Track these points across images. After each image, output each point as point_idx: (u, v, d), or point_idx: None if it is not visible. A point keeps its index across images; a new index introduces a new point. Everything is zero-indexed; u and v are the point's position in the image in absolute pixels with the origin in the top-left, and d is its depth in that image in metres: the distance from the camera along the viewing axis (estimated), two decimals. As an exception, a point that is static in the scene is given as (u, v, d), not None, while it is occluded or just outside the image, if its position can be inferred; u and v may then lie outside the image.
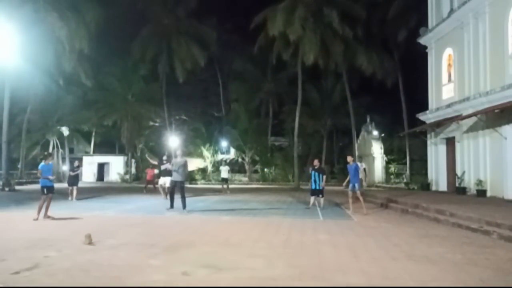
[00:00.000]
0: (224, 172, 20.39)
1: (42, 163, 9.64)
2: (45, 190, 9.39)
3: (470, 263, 5.38)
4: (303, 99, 29.59)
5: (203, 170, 36.72)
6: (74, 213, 10.69)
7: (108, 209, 11.79)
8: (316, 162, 13.24)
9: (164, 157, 16.29)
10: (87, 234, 6.40)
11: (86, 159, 39.25)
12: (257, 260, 5.40)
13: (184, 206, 11.16)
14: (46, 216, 9.18)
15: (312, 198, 13.00)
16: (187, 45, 30.43)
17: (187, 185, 24.19)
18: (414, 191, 19.63)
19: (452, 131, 17.66)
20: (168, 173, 14.94)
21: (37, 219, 8.96)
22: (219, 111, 41.08)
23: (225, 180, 20.31)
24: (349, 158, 12.13)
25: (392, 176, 30.72)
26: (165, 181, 15.29)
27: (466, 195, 15.33)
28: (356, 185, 11.61)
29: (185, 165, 11.52)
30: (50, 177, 9.55)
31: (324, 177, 12.77)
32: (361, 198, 11.57)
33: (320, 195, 12.79)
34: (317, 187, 12.72)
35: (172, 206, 11.56)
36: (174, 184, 11.54)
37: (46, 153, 10.62)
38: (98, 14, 25.40)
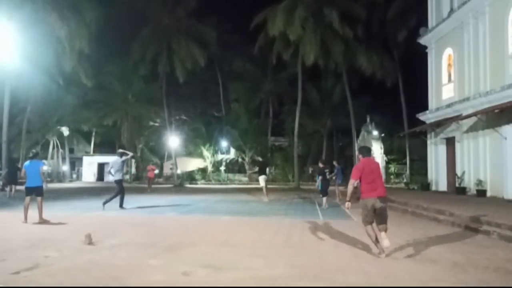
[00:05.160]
0: None
1: (27, 162, 9.14)
2: (29, 191, 8.90)
3: (470, 263, 5.38)
4: (303, 99, 29.61)
5: (203, 170, 36.70)
6: (74, 213, 10.69)
7: (108, 209, 11.77)
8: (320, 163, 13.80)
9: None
10: (87, 234, 6.40)
11: (86, 159, 39.25)
12: (257, 260, 5.40)
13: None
14: (41, 219, 8.76)
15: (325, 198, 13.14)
16: (187, 45, 30.42)
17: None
18: (414, 191, 19.62)
19: (452, 131, 17.64)
20: (263, 171, 15.92)
21: (25, 221, 8.61)
22: (219, 111, 41.07)
23: None
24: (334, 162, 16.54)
25: (392, 176, 30.71)
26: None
27: (466, 195, 15.31)
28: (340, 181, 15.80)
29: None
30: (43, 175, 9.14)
31: (320, 177, 12.98)
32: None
33: (321, 195, 12.91)
34: (317, 187, 13.01)
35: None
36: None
37: (33, 150, 10.31)
38: (98, 14, 25.40)
